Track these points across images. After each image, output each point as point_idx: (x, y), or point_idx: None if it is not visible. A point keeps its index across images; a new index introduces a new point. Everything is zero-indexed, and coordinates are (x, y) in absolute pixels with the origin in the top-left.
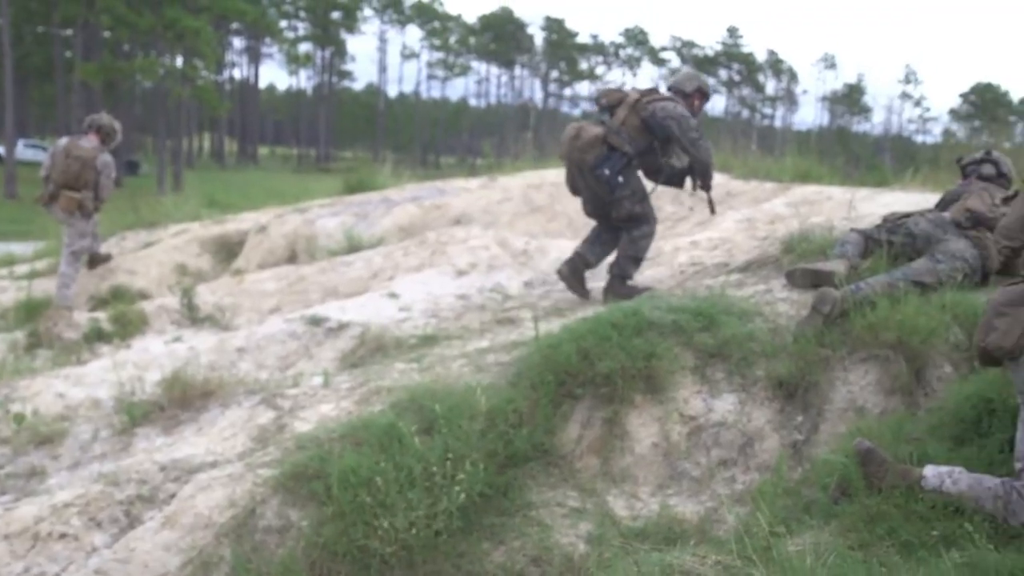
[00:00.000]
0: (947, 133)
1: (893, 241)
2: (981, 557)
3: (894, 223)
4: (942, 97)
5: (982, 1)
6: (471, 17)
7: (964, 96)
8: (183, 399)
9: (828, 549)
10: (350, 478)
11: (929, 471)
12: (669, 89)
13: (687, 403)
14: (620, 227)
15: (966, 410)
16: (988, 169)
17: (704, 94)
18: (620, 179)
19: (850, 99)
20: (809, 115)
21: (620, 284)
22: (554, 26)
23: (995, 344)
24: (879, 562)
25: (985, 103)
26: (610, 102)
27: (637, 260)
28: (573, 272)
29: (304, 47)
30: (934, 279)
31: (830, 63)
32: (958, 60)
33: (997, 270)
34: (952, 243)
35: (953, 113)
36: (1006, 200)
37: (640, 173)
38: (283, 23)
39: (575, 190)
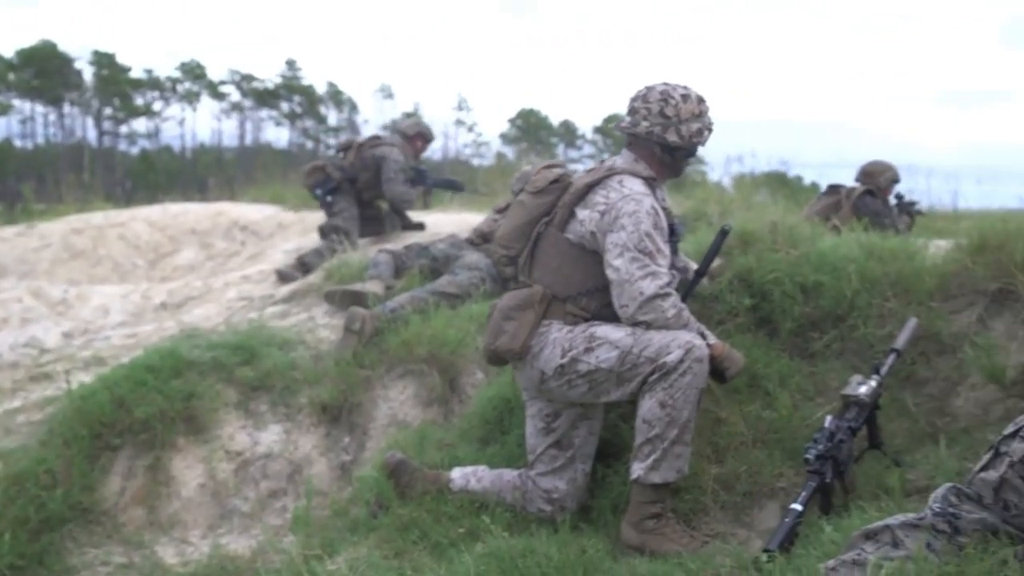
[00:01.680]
0: (499, 155)
1: (421, 264)
2: (498, 546)
3: (419, 249)
4: (492, 122)
5: (521, 36)
6: (7, 51)
7: (512, 121)
8: None
9: (364, 562)
10: None
11: (456, 473)
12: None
13: (232, 439)
14: None
15: (489, 412)
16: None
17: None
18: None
19: None
20: None
21: None
22: (104, 60)
23: (504, 346)
24: (411, 566)
25: (530, 127)
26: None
27: None
28: None
29: None
30: (457, 289)
31: (388, 93)
32: (504, 88)
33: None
34: (467, 257)
35: (503, 137)
36: (500, 211)
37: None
38: None
39: None
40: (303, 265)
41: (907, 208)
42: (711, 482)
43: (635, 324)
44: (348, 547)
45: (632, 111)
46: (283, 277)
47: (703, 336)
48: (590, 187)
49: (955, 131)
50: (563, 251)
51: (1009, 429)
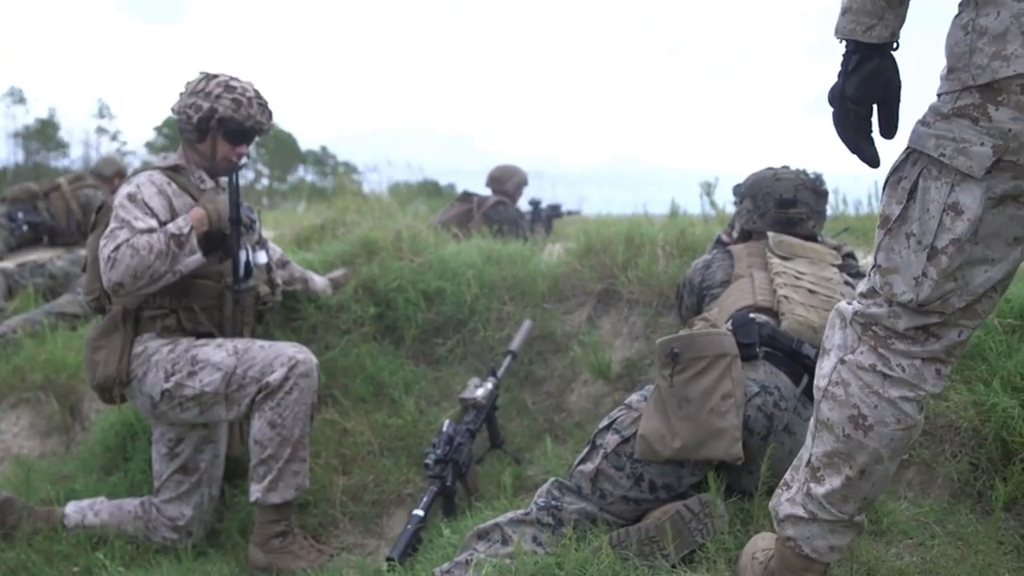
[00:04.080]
0: (146, 164)
1: (37, 283)
2: None
3: (34, 266)
4: (138, 131)
5: (165, 43)
6: None
7: (158, 129)
8: None
9: None
10: None
11: (71, 508)
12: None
13: None
14: None
15: (111, 438)
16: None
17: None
18: None
19: (44, 134)
20: (1, 152)
21: None
22: None
23: (103, 377)
24: None
25: (176, 135)
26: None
27: None
28: None
29: None
30: (78, 308)
31: (19, 98)
32: (150, 98)
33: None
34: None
35: (150, 145)
36: None
37: None
38: None
39: None
40: None
41: (545, 214)
42: (339, 494)
43: (118, 288)
44: None
45: None
46: None
47: (183, 235)
48: None
49: (591, 141)
50: None
51: (604, 422)
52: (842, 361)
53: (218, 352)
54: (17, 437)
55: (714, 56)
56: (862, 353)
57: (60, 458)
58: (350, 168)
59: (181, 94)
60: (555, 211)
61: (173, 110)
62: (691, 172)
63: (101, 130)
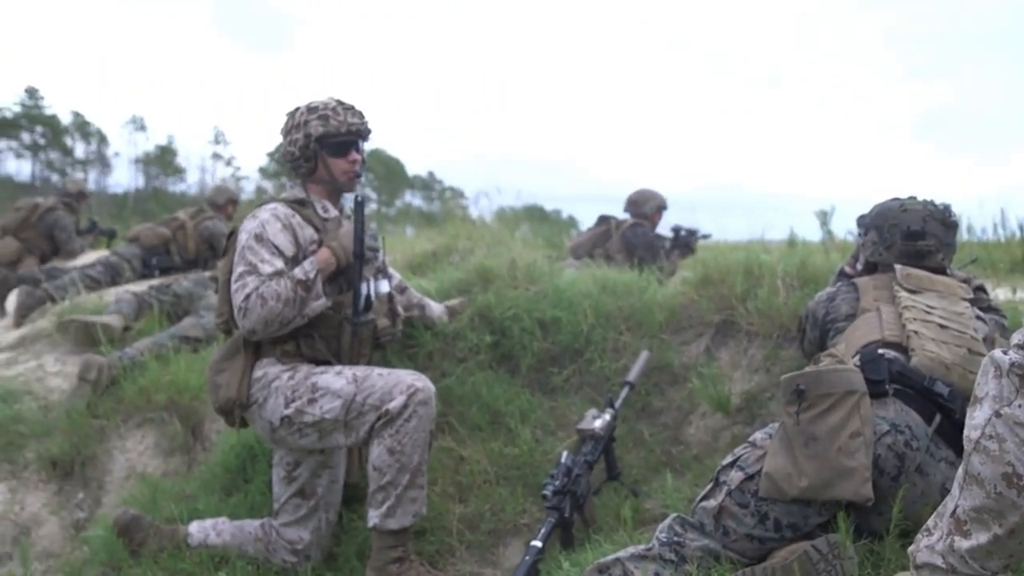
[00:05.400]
0: (260, 190)
1: (163, 300)
2: None
3: (161, 287)
4: (251, 157)
5: (277, 71)
6: None
7: (270, 155)
8: None
9: None
10: None
11: (194, 527)
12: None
13: None
14: None
15: (232, 460)
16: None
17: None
18: None
19: (163, 160)
20: (124, 177)
21: None
22: None
23: (224, 399)
24: None
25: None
26: None
27: None
28: None
29: None
30: (200, 332)
31: (140, 125)
32: (261, 123)
33: None
34: (211, 297)
35: (263, 171)
36: None
37: None
38: None
39: None
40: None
41: (686, 240)
42: (456, 522)
43: (252, 334)
44: None
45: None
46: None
47: (309, 280)
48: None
49: (691, 167)
50: None
51: (727, 459)
52: (997, 414)
53: (338, 380)
54: (142, 456)
55: (813, 82)
56: (1019, 407)
57: (182, 477)
58: (456, 193)
59: (281, 142)
60: (693, 235)
61: (281, 156)
62: (800, 199)
63: (216, 156)
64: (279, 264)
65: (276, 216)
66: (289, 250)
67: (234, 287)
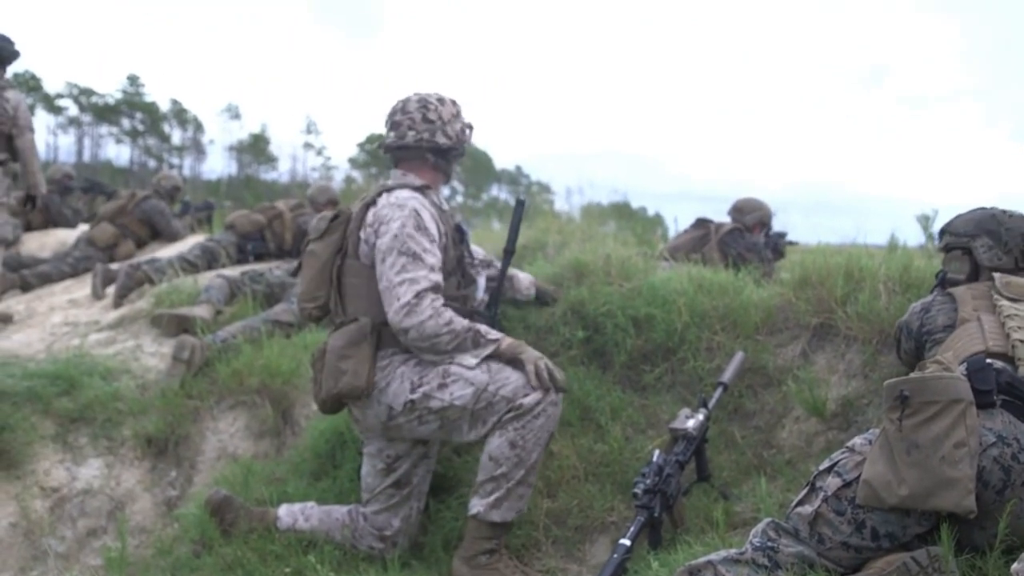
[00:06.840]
0: (348, 179)
1: (255, 289)
2: None
3: (254, 274)
4: (341, 146)
5: (368, 61)
6: None
7: (361, 145)
8: None
9: None
10: None
11: (283, 511)
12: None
13: (48, 475)
14: None
15: (321, 445)
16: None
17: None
18: None
19: (256, 148)
20: (218, 164)
21: None
22: None
23: (349, 386)
24: None
25: (378, 151)
26: None
27: None
28: None
29: None
30: (292, 317)
31: (235, 113)
32: (353, 113)
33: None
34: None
35: (352, 161)
36: None
37: None
38: None
39: None
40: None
41: (775, 241)
42: (543, 517)
43: (402, 331)
44: None
45: (395, 125)
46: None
47: (483, 338)
48: (367, 208)
49: (783, 167)
50: (366, 276)
51: (824, 464)
52: None
53: (471, 368)
54: (233, 437)
55: (912, 84)
56: None
57: (272, 460)
58: (543, 187)
59: (427, 114)
60: (782, 238)
61: (422, 142)
62: (897, 201)
63: (308, 145)
64: (438, 253)
65: (424, 205)
66: (439, 240)
67: (397, 276)
